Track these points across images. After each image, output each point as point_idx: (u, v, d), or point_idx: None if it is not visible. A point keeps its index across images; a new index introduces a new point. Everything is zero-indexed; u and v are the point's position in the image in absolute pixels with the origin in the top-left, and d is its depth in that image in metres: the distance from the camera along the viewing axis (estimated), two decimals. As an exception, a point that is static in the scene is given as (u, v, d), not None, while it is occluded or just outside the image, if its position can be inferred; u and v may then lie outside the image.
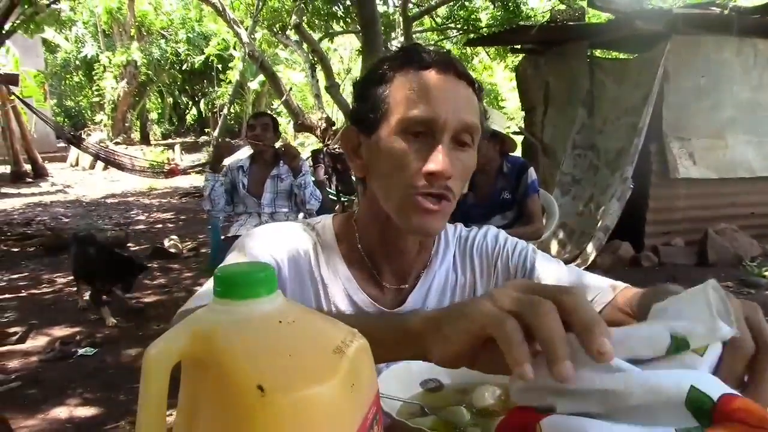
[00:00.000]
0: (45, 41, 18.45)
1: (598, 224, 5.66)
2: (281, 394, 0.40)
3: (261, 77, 16.15)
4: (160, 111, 26.19)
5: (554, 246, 6.10)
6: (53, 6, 9.27)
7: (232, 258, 1.01)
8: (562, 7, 9.74)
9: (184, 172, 11.13)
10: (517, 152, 7.55)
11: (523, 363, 0.49)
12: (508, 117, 16.48)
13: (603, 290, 1.02)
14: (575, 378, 0.47)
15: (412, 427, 0.70)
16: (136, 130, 21.03)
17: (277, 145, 4.12)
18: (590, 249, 5.56)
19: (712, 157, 5.92)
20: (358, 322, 0.81)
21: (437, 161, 0.91)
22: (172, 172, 10.84)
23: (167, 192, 12.44)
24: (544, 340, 0.49)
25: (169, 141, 22.27)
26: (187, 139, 22.81)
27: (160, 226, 8.69)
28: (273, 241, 1.05)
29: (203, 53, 18.13)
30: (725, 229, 5.88)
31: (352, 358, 0.47)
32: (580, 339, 0.48)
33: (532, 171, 3.31)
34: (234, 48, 17.08)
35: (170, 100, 25.88)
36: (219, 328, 0.44)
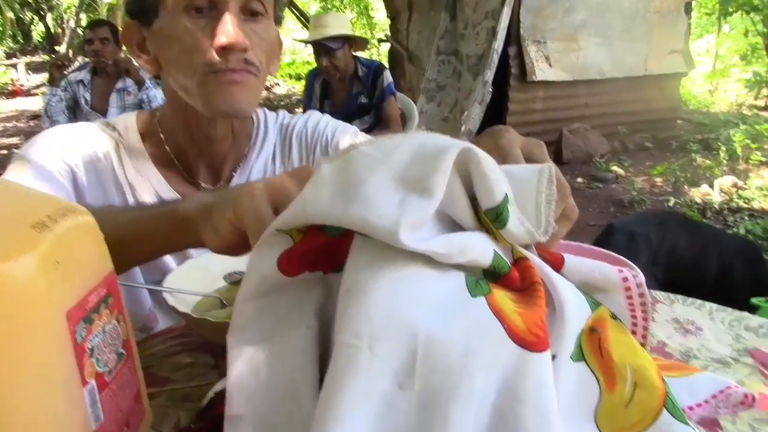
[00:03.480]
0: None
1: (462, 129, 5.77)
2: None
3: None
4: (0, 28, 23.59)
5: (421, 153, 6.19)
6: None
7: (15, 169, 0.90)
8: None
9: (29, 93, 10.20)
10: (384, 61, 7.51)
11: None
12: (379, 28, 16.26)
13: None
14: None
15: (195, 317, 0.67)
16: (-27, 50, 18.95)
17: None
18: (454, 153, 5.68)
19: (566, 60, 6.14)
20: (131, 215, 0.75)
21: (227, 32, 0.84)
22: (15, 94, 9.92)
23: (13, 116, 11.36)
24: None
25: (14, 60, 20.24)
26: (36, 58, 20.83)
27: (5, 152, 7.98)
28: (64, 145, 0.94)
29: (43, -41, 16.30)
30: (578, 129, 6.20)
31: (61, 234, 0.41)
32: None
33: (387, 74, 3.28)
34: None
35: (11, 14, 23.33)
36: None
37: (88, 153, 0.95)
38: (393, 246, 0.41)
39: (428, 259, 0.43)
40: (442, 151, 0.43)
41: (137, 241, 0.67)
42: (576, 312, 0.47)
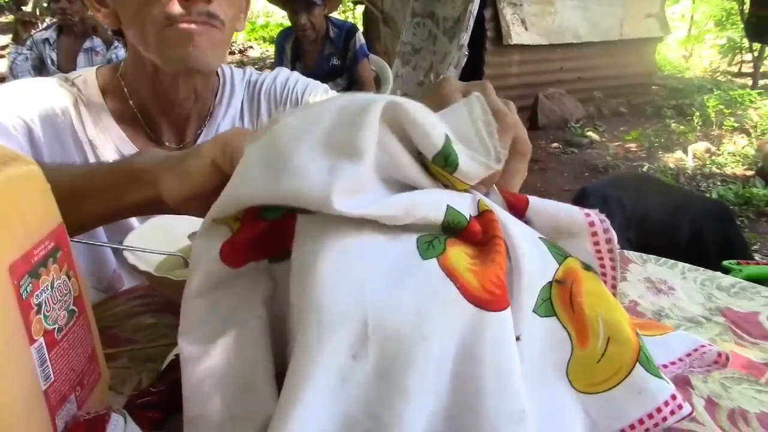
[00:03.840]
0: None
1: (438, 93, 5.72)
2: None
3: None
4: (-38, -13, 22.79)
5: (397, 117, 6.14)
6: None
7: None
8: None
9: (-6, 54, 9.90)
10: (359, 24, 7.40)
11: None
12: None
13: None
14: None
15: (157, 276, 0.65)
16: (-66, 9, 18.26)
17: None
18: (430, 118, 5.64)
19: (542, 23, 6.09)
20: (84, 169, 0.72)
21: None
22: (-21, 55, 9.62)
23: (-22, 78, 11.09)
24: None
25: (-22, 21, 19.60)
26: (1, 19, 20.22)
27: (-30, 115, 7.77)
28: (20, 99, 0.89)
29: None
30: (554, 94, 6.18)
31: (1, 183, 0.39)
32: None
33: (360, 35, 3.22)
34: None
35: (-27, -27, 22.53)
36: None
37: (45, 108, 0.91)
38: (338, 220, 0.40)
39: (377, 228, 0.42)
40: (364, 108, 0.41)
41: (87, 196, 0.63)
42: (534, 263, 0.46)
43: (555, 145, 5.46)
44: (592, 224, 0.50)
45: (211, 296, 0.45)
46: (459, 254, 0.42)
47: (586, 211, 0.50)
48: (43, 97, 0.91)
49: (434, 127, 0.44)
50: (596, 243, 0.50)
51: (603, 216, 0.50)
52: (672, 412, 0.46)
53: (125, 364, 0.62)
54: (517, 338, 0.43)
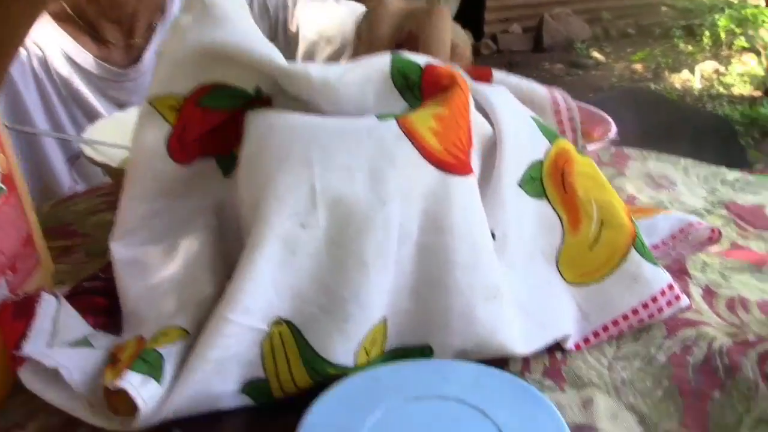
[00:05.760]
0: None
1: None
2: None
3: None
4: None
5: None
6: None
7: None
8: None
9: None
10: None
11: None
12: None
13: None
14: None
15: (114, 167, 0.60)
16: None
17: None
18: (431, 40, 5.49)
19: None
20: None
21: None
22: None
23: None
24: None
25: None
26: None
27: None
28: None
29: None
30: (560, 14, 5.99)
31: None
32: None
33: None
34: None
35: None
36: None
37: None
38: (287, 111, 0.38)
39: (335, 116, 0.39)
40: None
41: None
42: (522, 134, 0.42)
43: (559, 66, 5.33)
44: (555, 102, 0.49)
45: (156, 202, 0.41)
46: (424, 115, 0.37)
47: (551, 90, 0.49)
48: None
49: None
50: (560, 122, 0.49)
51: (566, 94, 0.49)
52: (669, 303, 0.43)
53: (82, 259, 0.58)
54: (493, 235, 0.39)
